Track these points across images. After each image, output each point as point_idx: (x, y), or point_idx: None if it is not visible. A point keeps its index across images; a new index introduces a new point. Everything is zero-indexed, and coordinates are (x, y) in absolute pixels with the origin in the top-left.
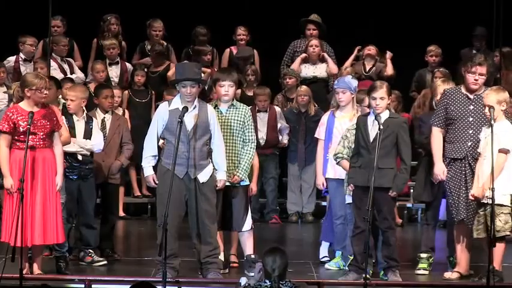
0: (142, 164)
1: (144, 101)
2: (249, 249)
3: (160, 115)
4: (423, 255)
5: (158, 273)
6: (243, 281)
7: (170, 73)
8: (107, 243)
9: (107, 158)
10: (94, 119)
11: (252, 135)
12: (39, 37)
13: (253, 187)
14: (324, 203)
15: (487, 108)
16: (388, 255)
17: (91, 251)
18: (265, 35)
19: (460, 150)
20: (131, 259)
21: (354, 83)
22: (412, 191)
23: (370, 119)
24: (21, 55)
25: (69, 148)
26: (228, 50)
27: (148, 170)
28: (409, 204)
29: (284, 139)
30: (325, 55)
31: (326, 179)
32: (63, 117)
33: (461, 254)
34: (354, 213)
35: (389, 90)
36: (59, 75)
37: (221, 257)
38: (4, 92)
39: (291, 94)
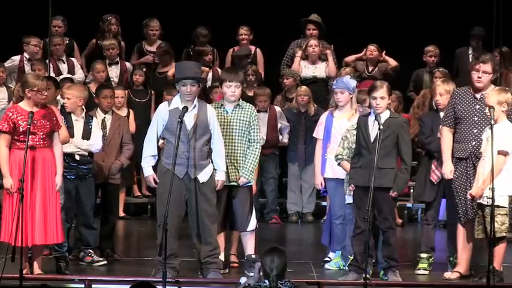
0: (141, 164)
1: (143, 101)
2: (250, 249)
3: (160, 115)
4: (423, 255)
5: (158, 273)
6: (243, 281)
7: (170, 73)
8: (107, 243)
9: (107, 158)
10: (94, 118)
11: (257, 135)
12: (40, 37)
13: (253, 187)
14: (324, 203)
15: (487, 108)
16: (388, 255)
17: (91, 251)
18: (265, 35)
19: (465, 150)
20: (131, 259)
21: (353, 83)
22: (412, 191)
23: (371, 119)
24: (25, 55)
25: (66, 149)
26: (231, 50)
27: (148, 170)
28: (409, 204)
29: (284, 138)
30: (329, 54)
31: (325, 178)
32: (62, 117)
33: (462, 254)
34: (354, 213)
35: (389, 90)
36: (52, 75)
37: (221, 257)
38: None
39: (290, 94)
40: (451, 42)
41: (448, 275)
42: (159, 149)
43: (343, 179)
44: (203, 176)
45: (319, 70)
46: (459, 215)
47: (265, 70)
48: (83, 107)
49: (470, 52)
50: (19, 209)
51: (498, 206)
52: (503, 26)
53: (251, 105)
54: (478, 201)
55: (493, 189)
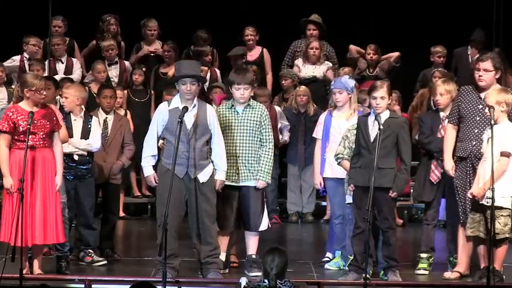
0: (141, 163)
1: (143, 101)
2: (252, 249)
3: (160, 115)
4: (423, 255)
5: (158, 273)
6: (243, 281)
7: (171, 73)
8: (107, 243)
9: (109, 158)
10: (94, 117)
11: (269, 135)
12: (40, 37)
13: None
14: (323, 203)
15: (487, 108)
16: (388, 255)
17: (91, 251)
18: (265, 35)
19: (465, 149)
20: (131, 259)
21: (351, 83)
22: (411, 190)
23: (371, 119)
24: (25, 55)
25: (64, 149)
26: None
27: (148, 170)
28: (409, 204)
29: (285, 136)
30: (330, 72)
31: (324, 178)
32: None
33: (462, 254)
34: (354, 213)
35: (389, 90)
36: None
37: (223, 257)
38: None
39: (287, 94)
40: (450, 42)
41: (448, 275)
42: (159, 148)
43: (343, 179)
44: (203, 176)
45: (319, 70)
46: (460, 214)
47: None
48: (83, 106)
49: (469, 52)
50: (19, 209)
51: (500, 208)
52: (503, 26)
53: (262, 105)
54: (480, 202)
55: (493, 190)
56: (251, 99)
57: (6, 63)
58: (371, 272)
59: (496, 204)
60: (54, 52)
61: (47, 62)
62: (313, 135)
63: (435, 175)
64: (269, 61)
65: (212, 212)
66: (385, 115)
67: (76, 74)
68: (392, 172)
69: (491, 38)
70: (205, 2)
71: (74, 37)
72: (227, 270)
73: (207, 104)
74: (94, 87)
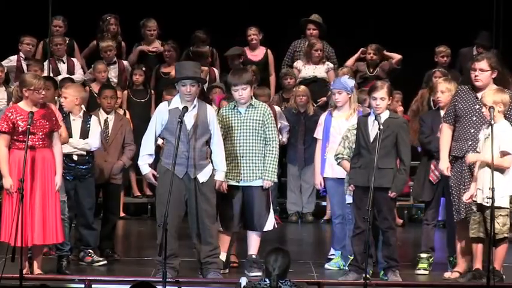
0: (138, 162)
1: (143, 101)
2: (253, 249)
3: (160, 114)
4: (423, 255)
5: (158, 273)
6: (243, 281)
7: (173, 72)
8: (107, 243)
9: (109, 158)
10: (94, 117)
11: (273, 134)
12: (40, 37)
13: None
14: (323, 203)
15: (484, 108)
16: (388, 255)
17: (91, 251)
18: (265, 35)
19: (461, 149)
20: (131, 259)
21: (351, 83)
22: (411, 190)
23: (371, 119)
24: (21, 54)
25: (64, 149)
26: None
27: (145, 168)
28: (409, 204)
29: (284, 137)
30: (387, 54)
31: (324, 178)
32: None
33: (462, 254)
34: (354, 213)
35: (390, 90)
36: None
37: (223, 257)
38: (5, 91)
39: (288, 94)
40: (450, 42)
41: (448, 275)
42: (158, 148)
43: (343, 179)
44: (203, 176)
45: (319, 70)
46: (453, 214)
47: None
48: (83, 106)
49: (474, 53)
50: (19, 209)
51: (499, 207)
52: (503, 27)
53: (265, 104)
54: (479, 202)
55: (493, 190)
56: (253, 99)
57: (3, 63)
58: (371, 272)
59: (487, 203)
60: (56, 52)
61: (46, 62)
62: (314, 136)
63: (435, 175)
64: (273, 62)
65: (212, 212)
66: (384, 115)
67: (79, 74)
68: (392, 172)
69: (491, 38)
70: (205, 2)
71: (74, 37)
72: (227, 270)
73: (207, 104)
74: (95, 87)
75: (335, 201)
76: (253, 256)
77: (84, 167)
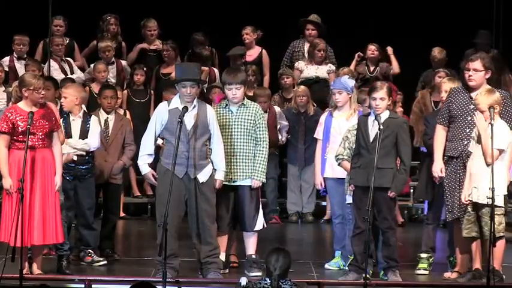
0: (138, 162)
1: (143, 101)
2: (251, 249)
3: (160, 114)
4: (423, 255)
5: (158, 273)
6: (243, 281)
7: (173, 74)
8: (107, 243)
9: (109, 158)
10: (93, 117)
11: (264, 134)
12: (40, 37)
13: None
14: (324, 203)
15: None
16: (388, 255)
17: (91, 251)
18: (265, 35)
19: (456, 149)
20: (131, 259)
21: (351, 83)
22: (411, 190)
23: (371, 119)
24: (15, 54)
25: (63, 150)
26: None
27: (144, 168)
28: (409, 204)
29: (283, 137)
30: (391, 55)
31: (324, 178)
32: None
33: (461, 254)
34: (354, 213)
35: (389, 91)
36: (60, 76)
37: (222, 257)
38: (4, 91)
39: (288, 94)
40: (451, 42)
41: (447, 275)
42: (158, 148)
43: (343, 179)
44: (203, 176)
45: (322, 71)
46: (446, 213)
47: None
48: (83, 106)
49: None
50: (19, 209)
51: (496, 206)
52: (503, 27)
53: (256, 104)
54: (474, 200)
55: (493, 190)
56: (245, 99)
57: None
58: (371, 272)
59: (486, 203)
60: (58, 52)
61: (46, 64)
62: (314, 136)
63: (438, 176)
64: (267, 62)
65: (212, 212)
66: (384, 115)
67: (80, 73)
68: (392, 172)
69: (491, 38)
70: (205, 2)
71: (74, 37)
72: (227, 270)
73: (207, 105)
74: (95, 87)
75: (335, 201)
76: (253, 256)
77: (84, 167)
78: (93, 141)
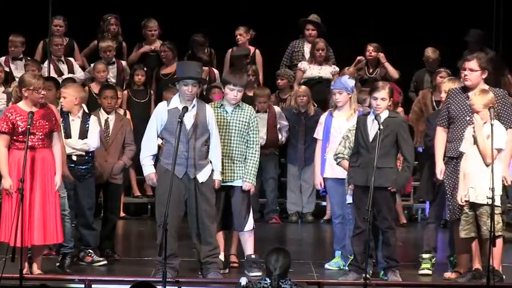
0: (142, 162)
1: (143, 101)
2: (249, 249)
3: (159, 114)
4: (425, 255)
5: (158, 273)
6: (243, 281)
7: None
8: (107, 243)
9: (110, 158)
10: (93, 116)
11: (256, 137)
12: (40, 37)
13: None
14: (323, 203)
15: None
16: (388, 255)
17: (91, 251)
18: (264, 35)
19: (455, 149)
20: (131, 259)
21: (351, 83)
22: (411, 190)
23: (370, 118)
24: (10, 54)
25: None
26: (230, 50)
27: (148, 169)
28: (409, 204)
29: (282, 137)
30: (385, 63)
31: (324, 178)
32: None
33: (461, 254)
34: (354, 213)
35: (391, 91)
36: (53, 76)
37: (221, 257)
38: (3, 92)
39: (284, 95)
40: (451, 42)
41: (448, 275)
42: (159, 148)
43: (343, 179)
44: (202, 176)
45: (325, 71)
46: (447, 214)
47: (264, 70)
48: (83, 105)
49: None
50: (19, 209)
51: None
52: (503, 27)
53: (251, 106)
54: (471, 201)
55: (493, 190)
56: (240, 101)
57: None
58: (371, 272)
59: (485, 202)
60: (57, 52)
61: (46, 63)
62: (314, 136)
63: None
64: (261, 62)
65: (212, 212)
66: (384, 115)
67: (80, 73)
68: (391, 171)
69: (491, 38)
70: (205, 2)
71: (74, 37)
72: (227, 270)
73: (206, 104)
74: (94, 88)
75: (335, 201)
76: (253, 256)
77: (84, 167)
78: (92, 141)
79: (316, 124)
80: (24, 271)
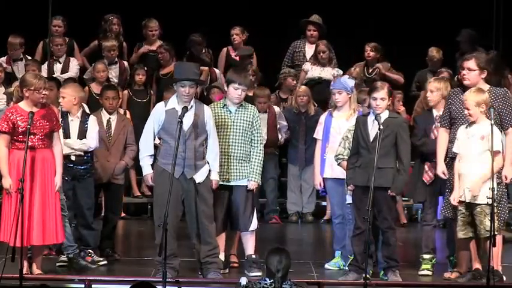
0: (141, 163)
1: (143, 101)
2: (250, 249)
3: (157, 115)
4: (426, 256)
5: (158, 273)
6: (243, 281)
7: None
8: (107, 243)
9: (111, 158)
10: (92, 116)
11: (259, 136)
12: (40, 37)
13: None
14: (324, 203)
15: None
16: (388, 255)
17: (91, 251)
18: (265, 35)
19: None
20: (131, 259)
21: (351, 83)
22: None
23: (370, 119)
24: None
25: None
26: (224, 49)
27: (147, 169)
28: (409, 204)
29: (282, 137)
30: (386, 73)
31: (324, 178)
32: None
33: (460, 254)
34: (354, 214)
35: (390, 91)
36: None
37: (221, 257)
38: (3, 93)
39: (284, 94)
40: (451, 42)
41: (448, 275)
42: (155, 148)
43: (343, 179)
44: (199, 176)
45: (326, 72)
46: (446, 214)
47: (265, 70)
48: (84, 106)
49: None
50: (19, 209)
51: (488, 205)
52: (503, 26)
53: (253, 106)
54: (467, 201)
55: (493, 190)
56: (243, 100)
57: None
58: (371, 272)
59: (483, 202)
60: (56, 52)
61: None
62: (314, 136)
63: (428, 176)
64: (255, 62)
65: (210, 212)
66: (384, 115)
67: (72, 72)
68: (392, 172)
69: (491, 38)
70: (205, 3)
71: (74, 37)
72: (227, 270)
73: (204, 105)
74: (94, 88)
75: (335, 202)
76: (253, 256)
77: (83, 167)
78: (91, 141)
79: (317, 124)
80: (24, 271)
